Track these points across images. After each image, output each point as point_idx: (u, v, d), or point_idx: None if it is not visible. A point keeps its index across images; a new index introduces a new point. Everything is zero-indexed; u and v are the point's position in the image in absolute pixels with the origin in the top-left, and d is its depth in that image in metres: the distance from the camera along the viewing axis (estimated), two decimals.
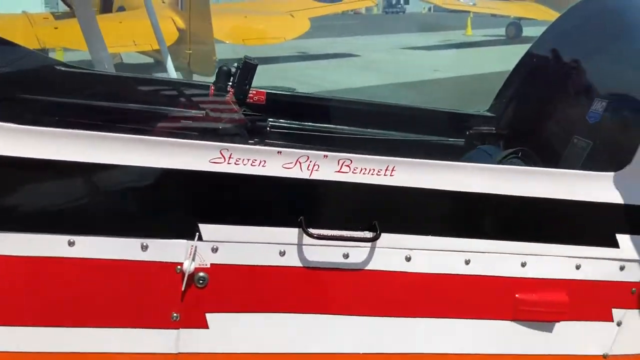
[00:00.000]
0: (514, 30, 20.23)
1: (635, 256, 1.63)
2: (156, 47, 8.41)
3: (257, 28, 9.98)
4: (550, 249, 1.58)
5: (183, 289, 1.38)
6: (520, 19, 19.60)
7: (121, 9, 10.71)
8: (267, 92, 2.36)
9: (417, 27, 22.99)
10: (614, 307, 1.66)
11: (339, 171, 1.44)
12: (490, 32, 21.39)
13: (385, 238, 1.48)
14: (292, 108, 2.41)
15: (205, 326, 1.43)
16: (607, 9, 2.05)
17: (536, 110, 2.27)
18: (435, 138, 2.48)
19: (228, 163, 1.37)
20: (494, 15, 20.00)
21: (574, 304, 1.61)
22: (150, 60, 10.02)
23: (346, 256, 1.47)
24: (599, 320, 1.65)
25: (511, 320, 1.60)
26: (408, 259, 1.51)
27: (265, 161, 1.39)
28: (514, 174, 1.56)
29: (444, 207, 1.53)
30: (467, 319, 1.58)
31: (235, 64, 2.19)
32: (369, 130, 2.45)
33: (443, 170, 1.50)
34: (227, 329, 1.45)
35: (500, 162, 2.01)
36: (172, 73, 4.16)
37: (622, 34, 1.95)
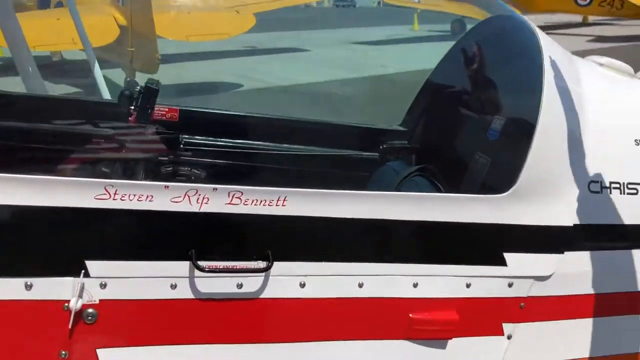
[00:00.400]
0: (458, 27, 20.58)
1: (522, 273, 1.71)
2: (97, 44, 8.23)
3: (201, 24, 9.85)
4: (440, 270, 1.65)
5: (70, 326, 1.38)
6: (463, 16, 19.98)
7: (59, 4, 10.40)
8: (180, 109, 2.35)
9: (367, 22, 23.15)
10: (504, 322, 1.74)
11: (229, 203, 1.46)
12: (437, 27, 21.70)
13: (279, 266, 1.51)
14: (206, 124, 2.42)
15: None
16: (504, 30, 2.14)
17: (444, 125, 2.34)
18: (350, 152, 2.53)
19: (114, 199, 1.37)
20: (442, 12, 20.31)
21: (465, 321, 1.68)
22: None
23: (240, 286, 1.50)
24: (491, 335, 1.73)
25: (406, 340, 1.66)
26: (302, 285, 1.54)
27: (152, 196, 1.40)
28: (402, 199, 1.62)
29: (335, 234, 1.57)
30: (363, 340, 1.63)
31: (138, 87, 2.19)
32: (285, 145, 2.48)
33: (333, 199, 1.54)
34: None
35: (403, 180, 2.07)
36: (99, 76, 4.05)
37: (514, 55, 2.04)
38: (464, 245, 1.68)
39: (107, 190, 1.37)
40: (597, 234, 1.79)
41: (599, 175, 1.80)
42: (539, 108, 1.71)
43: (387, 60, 13.88)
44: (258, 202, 1.47)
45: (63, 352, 1.40)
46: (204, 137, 2.40)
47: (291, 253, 1.53)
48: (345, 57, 14.24)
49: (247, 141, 2.45)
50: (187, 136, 2.38)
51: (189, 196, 1.43)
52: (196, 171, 2.31)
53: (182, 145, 2.34)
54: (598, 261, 1.79)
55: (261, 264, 1.49)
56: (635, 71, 2.13)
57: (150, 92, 2.16)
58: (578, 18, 21.08)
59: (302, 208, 1.51)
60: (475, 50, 2.15)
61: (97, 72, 4.10)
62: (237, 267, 1.48)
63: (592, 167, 1.80)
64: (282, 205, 1.49)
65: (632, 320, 1.85)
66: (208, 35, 9.98)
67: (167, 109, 2.33)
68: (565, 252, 1.74)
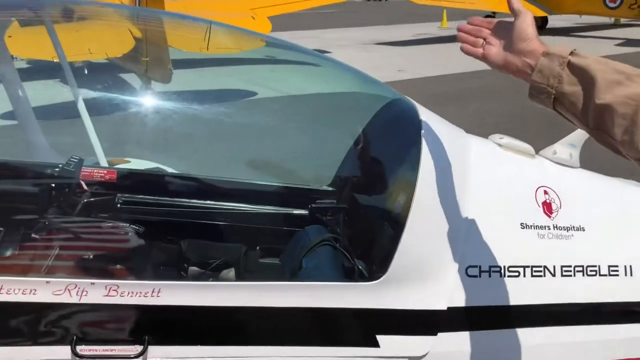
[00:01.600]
0: None
1: (395, 354, 1.82)
2: (111, 54, 8.54)
3: (216, 38, 10.04)
4: (313, 351, 1.77)
5: None
6: (494, 12, 19.69)
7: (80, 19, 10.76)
8: (117, 171, 2.54)
9: (395, 19, 23.03)
10: None
11: (107, 295, 1.62)
12: None
13: (156, 350, 1.67)
14: (145, 184, 2.59)
15: None
16: (398, 114, 2.24)
17: (365, 191, 2.46)
18: (282, 210, 2.67)
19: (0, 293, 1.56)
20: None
21: None
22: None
23: None
24: None
25: None
26: None
27: (35, 290, 1.58)
28: (275, 288, 1.75)
29: (209, 320, 1.71)
30: None
31: (57, 168, 2.35)
32: (219, 204, 2.63)
33: (205, 290, 1.70)
34: None
35: (311, 249, 2.20)
36: (76, 91, 4.04)
37: (400, 141, 2.14)
38: (336, 328, 1.80)
39: None
40: (473, 316, 1.88)
41: (477, 259, 1.88)
42: (412, 197, 1.81)
43: (405, 64, 13.84)
44: (134, 294, 1.63)
45: None
46: (142, 196, 2.58)
47: (167, 338, 1.68)
48: (366, 60, 14.01)
49: (184, 199, 2.62)
50: (126, 195, 2.56)
51: (69, 290, 1.60)
52: (134, 226, 2.48)
53: (119, 205, 2.52)
54: (474, 341, 1.88)
55: (138, 348, 1.65)
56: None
57: (67, 173, 2.34)
58: (609, 19, 20.56)
59: (176, 298, 1.67)
60: (370, 137, 2.27)
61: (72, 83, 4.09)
62: (115, 352, 1.64)
63: (472, 252, 1.88)
64: (157, 295, 1.65)
65: None
66: (223, 49, 10.18)
67: (105, 172, 2.52)
68: (439, 334, 1.84)
